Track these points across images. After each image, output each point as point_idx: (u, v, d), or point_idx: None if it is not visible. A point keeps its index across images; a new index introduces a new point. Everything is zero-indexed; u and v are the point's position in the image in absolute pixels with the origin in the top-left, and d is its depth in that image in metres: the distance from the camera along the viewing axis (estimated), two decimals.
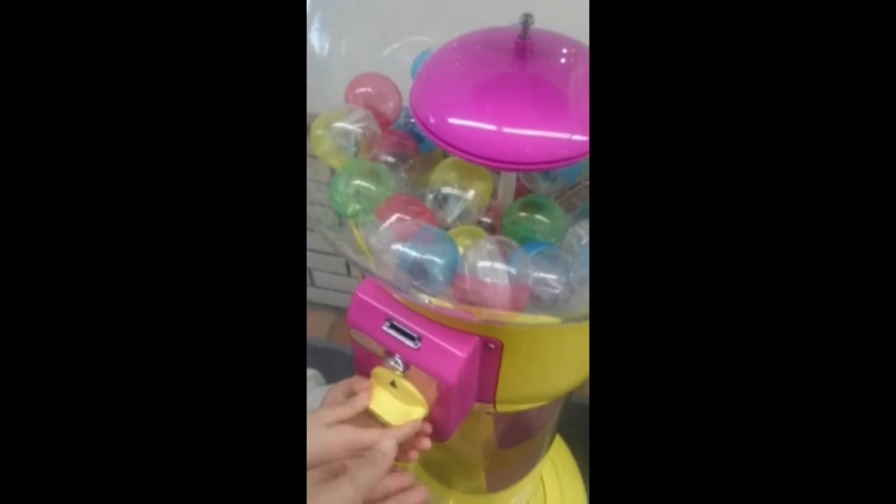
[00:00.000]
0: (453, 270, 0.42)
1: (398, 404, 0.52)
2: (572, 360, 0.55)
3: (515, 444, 0.77)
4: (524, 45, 0.43)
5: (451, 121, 0.44)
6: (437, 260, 0.41)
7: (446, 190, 0.47)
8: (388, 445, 0.47)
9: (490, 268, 0.41)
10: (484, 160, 0.43)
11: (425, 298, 0.42)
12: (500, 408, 0.57)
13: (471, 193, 0.47)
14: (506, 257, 0.41)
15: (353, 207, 0.47)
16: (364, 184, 0.47)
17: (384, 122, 0.54)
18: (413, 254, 0.41)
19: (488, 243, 0.42)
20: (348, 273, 1.29)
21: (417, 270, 0.41)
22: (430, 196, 0.48)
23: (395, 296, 0.49)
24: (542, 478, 1.03)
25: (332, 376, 1.20)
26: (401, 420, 0.51)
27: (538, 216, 0.48)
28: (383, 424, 0.51)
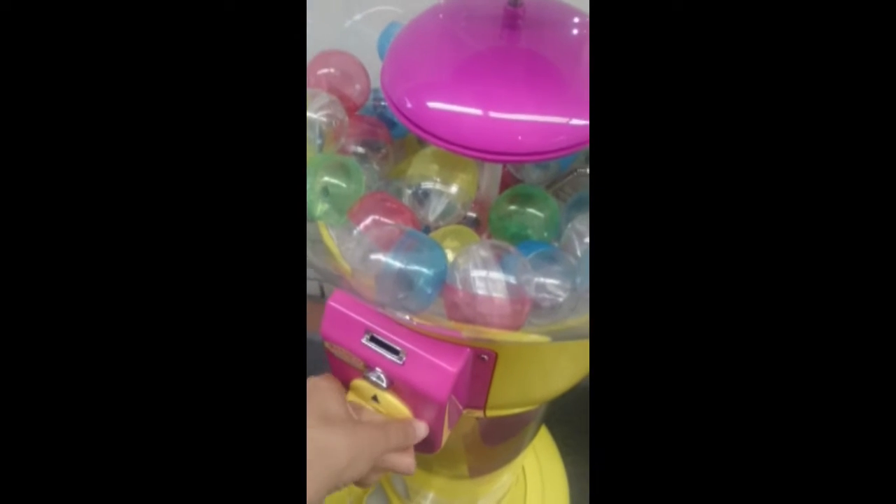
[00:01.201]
0: (442, 281, 0.35)
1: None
2: (569, 365, 0.49)
3: (500, 441, 0.72)
4: (515, 14, 0.36)
5: (431, 105, 0.37)
6: (425, 270, 0.34)
7: (427, 185, 0.40)
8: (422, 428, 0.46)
9: (485, 277, 0.34)
10: (469, 150, 0.36)
11: (407, 316, 0.35)
12: (490, 413, 0.51)
13: (455, 187, 0.41)
14: (500, 262, 0.35)
15: (322, 208, 0.40)
16: (333, 181, 0.40)
17: (350, 107, 0.46)
18: (397, 264, 0.34)
19: (481, 249, 0.35)
20: None
21: (402, 282, 0.35)
22: (409, 192, 0.41)
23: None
24: (523, 467, 0.99)
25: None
26: None
27: (530, 210, 0.42)
28: None
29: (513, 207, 0.42)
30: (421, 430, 0.46)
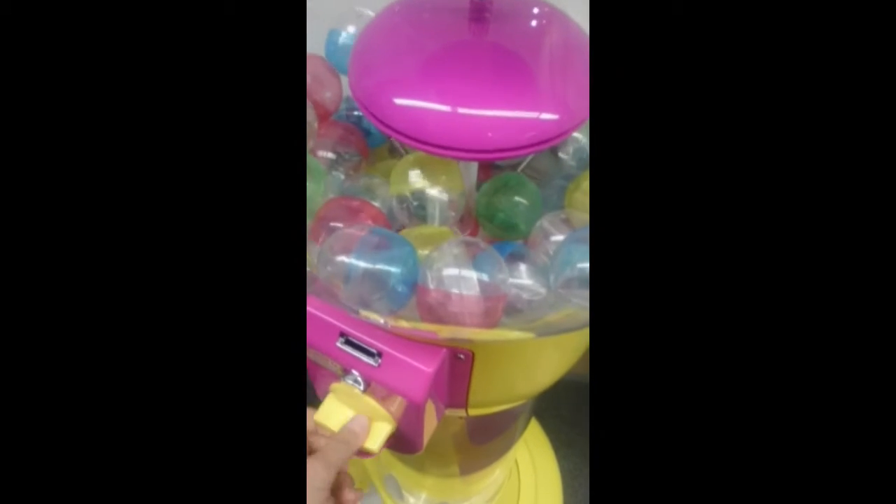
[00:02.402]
0: (415, 280, 0.34)
1: (345, 410, 0.44)
2: (550, 360, 0.48)
3: (489, 439, 0.71)
4: (482, 6, 0.35)
5: (398, 102, 0.36)
6: (394, 269, 0.33)
7: (419, 193, 0.39)
8: (360, 424, 0.43)
9: (458, 276, 0.33)
10: (437, 148, 0.35)
11: (380, 320, 0.34)
12: (473, 412, 0.50)
13: (444, 192, 0.39)
14: (474, 260, 0.34)
15: None
16: None
17: (322, 114, 0.45)
18: (362, 264, 0.33)
19: (454, 246, 0.34)
20: None
21: (372, 283, 0.33)
22: (401, 205, 0.40)
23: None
24: (516, 461, 0.98)
25: None
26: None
27: (515, 197, 0.41)
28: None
29: (497, 197, 0.42)
30: (357, 426, 0.43)
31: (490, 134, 0.35)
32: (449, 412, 0.50)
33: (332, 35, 0.47)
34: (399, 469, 0.87)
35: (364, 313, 0.34)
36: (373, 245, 0.33)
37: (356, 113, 0.48)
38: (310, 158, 0.39)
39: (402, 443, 0.47)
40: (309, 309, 0.42)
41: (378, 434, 0.43)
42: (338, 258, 0.33)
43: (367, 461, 0.93)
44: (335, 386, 0.45)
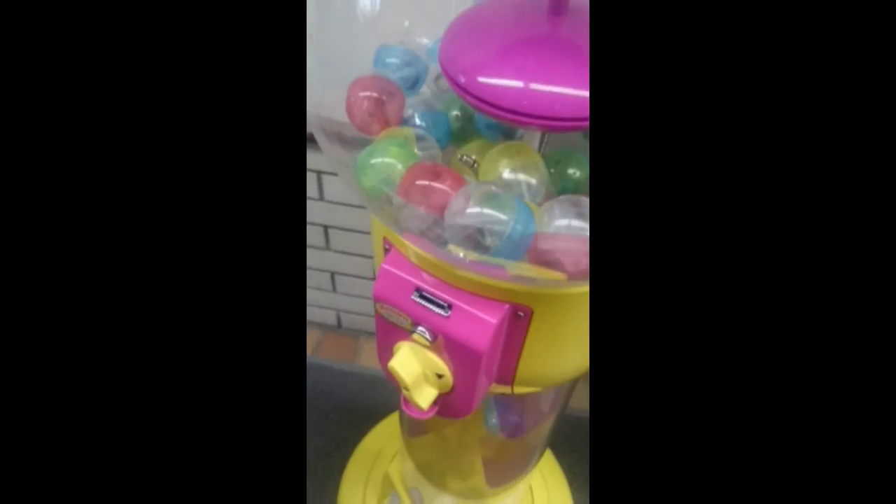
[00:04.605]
0: (532, 230, 0.39)
1: (417, 366, 0.48)
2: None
3: (518, 434, 0.73)
4: (561, 1, 0.41)
5: (481, 80, 0.41)
6: (518, 226, 0.38)
7: (509, 177, 0.43)
8: None
9: (568, 225, 0.38)
10: (513, 115, 0.40)
11: (460, 253, 0.38)
12: (518, 389, 0.54)
13: (532, 175, 0.43)
14: (582, 215, 0.39)
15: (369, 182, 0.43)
16: (387, 160, 0.43)
17: (395, 122, 0.50)
18: (496, 214, 0.38)
19: (561, 203, 0.39)
20: (333, 289, 1.24)
21: (497, 231, 0.38)
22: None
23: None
24: (531, 487, 1.00)
25: (318, 391, 1.19)
26: (416, 383, 0.49)
27: (568, 170, 0.46)
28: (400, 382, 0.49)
29: (553, 170, 0.46)
30: None
31: (557, 106, 0.40)
32: (495, 388, 0.54)
33: (380, 52, 0.53)
34: (423, 484, 0.89)
35: (451, 247, 0.38)
36: (499, 200, 0.38)
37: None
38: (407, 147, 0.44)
39: (452, 404, 0.51)
40: (388, 268, 0.46)
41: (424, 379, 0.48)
42: (470, 209, 0.38)
43: (393, 474, 0.95)
44: (399, 345, 0.49)
